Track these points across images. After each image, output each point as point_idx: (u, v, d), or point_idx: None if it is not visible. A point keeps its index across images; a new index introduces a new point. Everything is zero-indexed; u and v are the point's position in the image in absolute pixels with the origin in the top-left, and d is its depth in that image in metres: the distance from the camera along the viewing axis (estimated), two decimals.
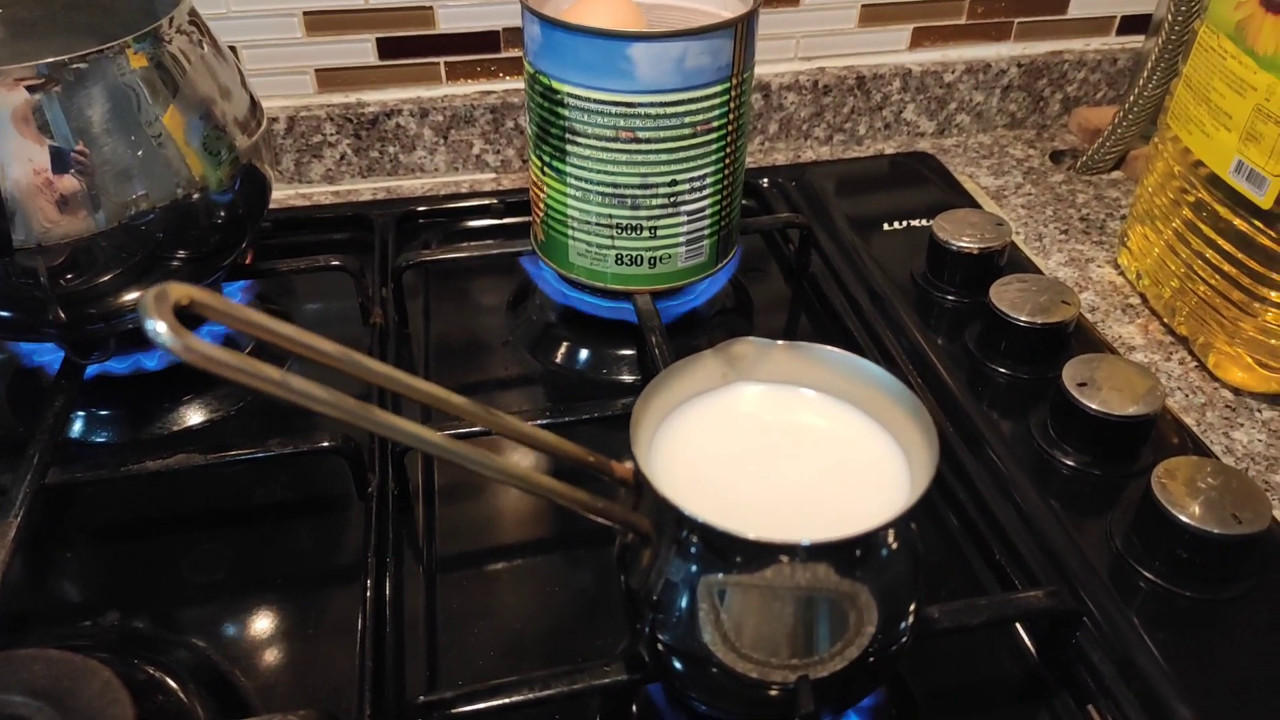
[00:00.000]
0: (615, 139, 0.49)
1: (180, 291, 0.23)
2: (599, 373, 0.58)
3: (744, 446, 0.36)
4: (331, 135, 0.73)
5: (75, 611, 0.45)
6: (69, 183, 0.43)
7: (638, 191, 0.51)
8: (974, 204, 0.71)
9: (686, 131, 0.50)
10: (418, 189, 0.75)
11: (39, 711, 0.33)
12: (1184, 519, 0.42)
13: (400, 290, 0.60)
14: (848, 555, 0.31)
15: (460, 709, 0.36)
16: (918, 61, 0.79)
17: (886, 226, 0.68)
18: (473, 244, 0.63)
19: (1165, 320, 0.60)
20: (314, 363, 0.27)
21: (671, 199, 0.52)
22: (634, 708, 0.40)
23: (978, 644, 0.43)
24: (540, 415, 0.49)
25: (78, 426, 0.53)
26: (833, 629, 0.32)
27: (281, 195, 0.74)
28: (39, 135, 0.42)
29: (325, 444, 0.47)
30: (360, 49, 0.71)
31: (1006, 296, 0.55)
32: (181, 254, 0.49)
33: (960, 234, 0.60)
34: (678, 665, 0.34)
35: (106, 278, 0.46)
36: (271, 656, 0.42)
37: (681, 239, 0.54)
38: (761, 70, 0.77)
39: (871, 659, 0.33)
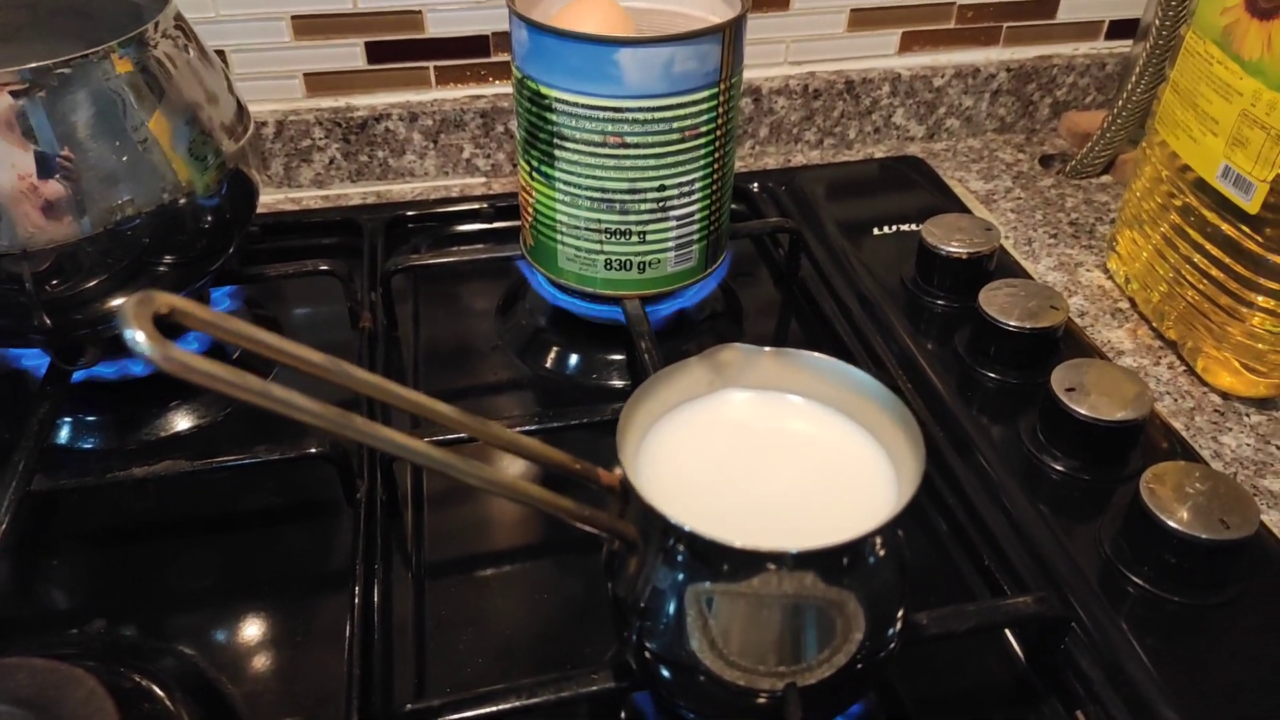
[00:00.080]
0: (603, 144, 0.49)
1: (161, 300, 0.23)
2: (588, 377, 0.58)
3: (731, 453, 0.36)
4: (320, 139, 0.72)
5: (60, 619, 0.44)
6: (54, 188, 0.43)
7: (626, 196, 0.51)
8: (963, 208, 0.71)
9: (675, 136, 0.50)
10: (407, 193, 0.75)
11: None
12: (1172, 524, 0.42)
13: (389, 295, 0.60)
14: (835, 563, 0.31)
15: (447, 717, 0.36)
16: (907, 66, 0.80)
17: (876, 231, 0.68)
18: (462, 248, 0.63)
19: (1154, 324, 0.61)
20: (300, 370, 0.27)
21: (660, 204, 0.52)
22: (622, 715, 0.40)
23: (966, 650, 0.43)
24: (529, 421, 0.49)
25: (64, 432, 0.53)
26: (820, 636, 0.32)
27: (270, 200, 0.73)
28: (24, 140, 0.42)
29: (314, 450, 0.47)
30: (349, 53, 0.71)
31: (996, 301, 0.55)
32: (168, 259, 0.48)
33: (949, 238, 0.60)
34: (665, 673, 0.34)
35: (92, 283, 0.46)
36: (259, 664, 0.42)
37: (670, 244, 0.54)
38: (751, 74, 0.77)
39: (859, 666, 0.33)
